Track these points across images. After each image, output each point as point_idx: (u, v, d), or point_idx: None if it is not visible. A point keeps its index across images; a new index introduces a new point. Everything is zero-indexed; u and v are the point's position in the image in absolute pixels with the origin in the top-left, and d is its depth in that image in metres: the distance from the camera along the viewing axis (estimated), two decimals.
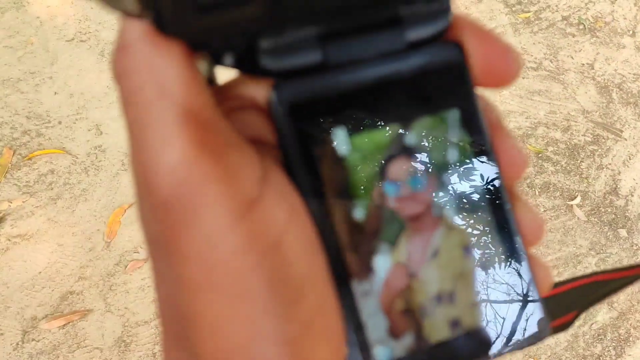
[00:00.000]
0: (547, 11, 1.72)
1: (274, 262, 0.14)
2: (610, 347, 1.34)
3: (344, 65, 0.16)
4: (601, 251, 1.43)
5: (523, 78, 1.59)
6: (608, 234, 1.45)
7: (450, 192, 0.17)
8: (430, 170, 0.17)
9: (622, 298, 1.38)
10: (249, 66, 0.15)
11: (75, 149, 1.42)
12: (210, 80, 0.16)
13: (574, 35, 1.69)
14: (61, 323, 1.25)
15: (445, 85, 0.17)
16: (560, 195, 1.47)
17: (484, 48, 0.17)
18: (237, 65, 0.16)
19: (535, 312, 0.18)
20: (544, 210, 1.45)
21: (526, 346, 0.18)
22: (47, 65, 1.50)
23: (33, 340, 1.23)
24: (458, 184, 0.17)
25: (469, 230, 0.17)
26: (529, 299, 0.18)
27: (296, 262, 0.14)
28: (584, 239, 1.44)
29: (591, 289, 0.44)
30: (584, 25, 1.70)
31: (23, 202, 1.35)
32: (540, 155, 1.51)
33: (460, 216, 0.17)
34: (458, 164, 0.17)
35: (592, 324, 1.36)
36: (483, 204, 0.18)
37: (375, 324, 0.16)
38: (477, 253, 0.18)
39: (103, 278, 1.30)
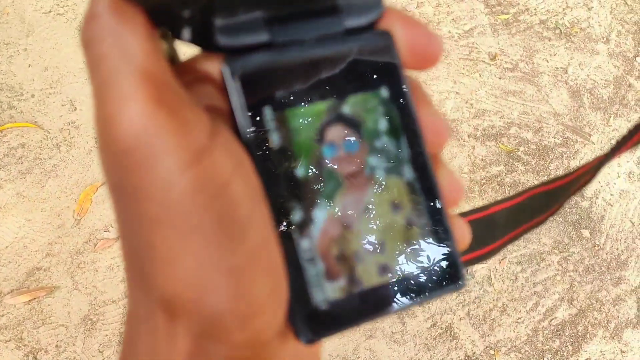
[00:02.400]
0: (525, 14, 1.76)
1: (222, 203, 0.16)
2: (568, 343, 1.39)
3: (288, 45, 0.19)
4: (564, 250, 1.47)
5: (499, 78, 1.63)
6: (572, 233, 1.50)
7: (381, 156, 0.20)
8: (363, 136, 0.20)
9: (581, 296, 1.43)
10: (205, 42, 0.18)
11: (47, 124, 1.40)
12: (173, 58, 0.19)
13: (550, 39, 1.73)
14: (26, 299, 1.23)
15: (376, 66, 0.20)
16: None
17: (411, 34, 0.20)
18: (194, 40, 0.18)
19: (454, 263, 0.21)
20: None
21: (445, 294, 0.21)
22: (22, 37, 1.47)
23: None
24: (387, 149, 0.20)
25: (397, 189, 0.20)
26: (448, 251, 0.21)
27: (241, 204, 0.16)
28: (548, 237, 1.48)
29: (523, 209, 0.45)
30: (561, 30, 1.74)
31: None
32: (511, 154, 1.55)
33: (390, 177, 0.20)
34: (387, 132, 0.20)
35: (552, 319, 1.40)
36: (410, 167, 0.20)
37: (312, 267, 0.19)
38: (403, 209, 0.20)
39: (71, 255, 1.28)
